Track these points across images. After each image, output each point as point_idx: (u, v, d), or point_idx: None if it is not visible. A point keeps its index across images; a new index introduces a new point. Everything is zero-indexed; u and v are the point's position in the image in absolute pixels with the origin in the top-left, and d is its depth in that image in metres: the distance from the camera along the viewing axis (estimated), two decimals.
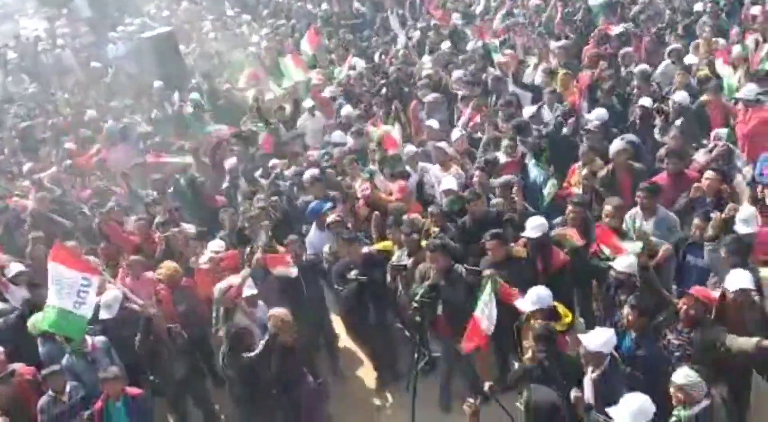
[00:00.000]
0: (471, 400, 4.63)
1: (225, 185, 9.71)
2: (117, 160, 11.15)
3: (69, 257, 6.49)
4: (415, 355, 6.24)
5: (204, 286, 7.10)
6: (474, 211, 7.07)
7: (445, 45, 12.54)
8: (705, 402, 4.50)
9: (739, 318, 5.29)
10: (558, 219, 6.92)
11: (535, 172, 7.84)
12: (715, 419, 4.54)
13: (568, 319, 5.70)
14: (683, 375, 4.57)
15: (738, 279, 5.24)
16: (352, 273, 6.75)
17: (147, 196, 9.62)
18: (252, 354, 5.93)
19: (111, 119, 12.69)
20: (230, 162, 9.92)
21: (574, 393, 4.83)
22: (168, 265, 7.24)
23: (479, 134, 9.05)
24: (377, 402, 7.13)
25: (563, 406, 4.72)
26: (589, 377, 4.99)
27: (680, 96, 8.33)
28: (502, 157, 8.13)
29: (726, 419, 4.77)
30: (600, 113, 8.44)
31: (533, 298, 5.65)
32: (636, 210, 6.61)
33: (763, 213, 6.22)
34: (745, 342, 4.98)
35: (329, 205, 7.78)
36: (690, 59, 9.67)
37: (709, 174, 6.61)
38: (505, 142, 8.24)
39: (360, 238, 7.15)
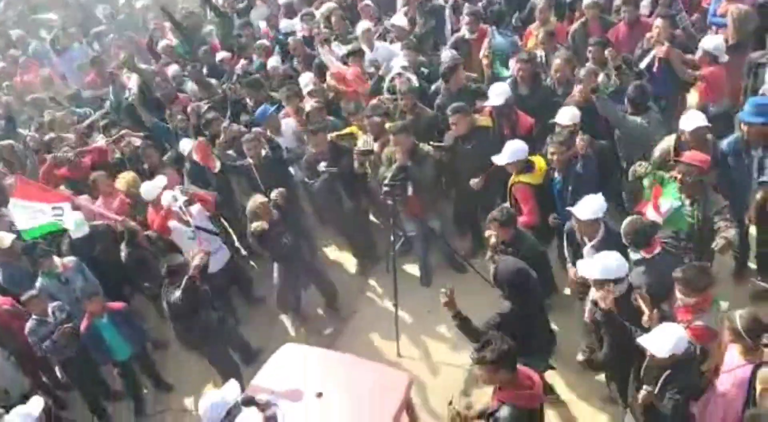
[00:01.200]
0: (444, 290, 4.63)
1: None
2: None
3: (34, 191, 6.49)
4: (391, 237, 6.32)
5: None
6: (451, 85, 6.85)
7: None
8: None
9: None
10: (508, 80, 6.79)
11: (499, 40, 7.51)
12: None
13: (543, 168, 5.71)
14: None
15: (693, 119, 5.35)
16: (322, 166, 6.66)
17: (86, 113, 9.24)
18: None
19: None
20: (173, 69, 9.40)
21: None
22: (125, 176, 7.08)
23: None
24: (360, 286, 7.26)
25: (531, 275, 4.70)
26: (589, 246, 5.03)
27: None
28: (466, 33, 7.82)
29: None
30: None
31: (507, 152, 5.66)
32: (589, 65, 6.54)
33: None
34: None
35: (273, 108, 7.55)
36: None
37: (659, 22, 6.53)
38: (465, 19, 7.85)
39: (328, 125, 6.98)
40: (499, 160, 5.72)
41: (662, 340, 3.85)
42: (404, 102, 6.83)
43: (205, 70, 9.22)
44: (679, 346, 3.85)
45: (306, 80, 7.75)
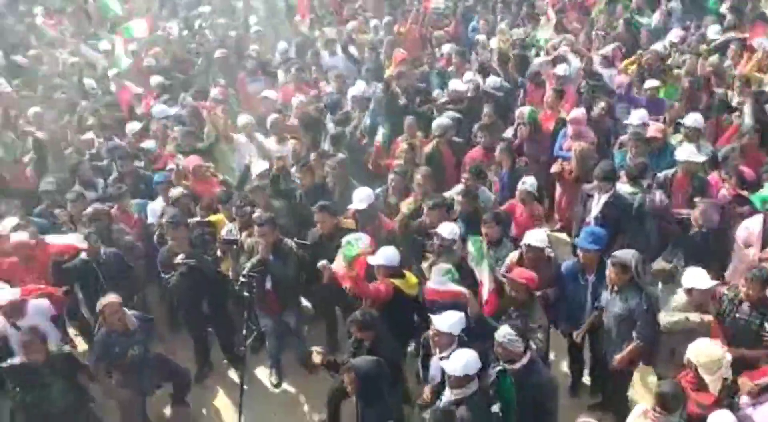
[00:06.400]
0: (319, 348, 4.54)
1: None
2: None
3: None
4: (244, 331, 6.10)
5: None
6: (304, 184, 7.17)
7: None
8: (524, 360, 4.68)
9: None
10: (379, 189, 7.12)
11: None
12: (534, 374, 4.75)
13: (413, 284, 5.77)
14: (503, 333, 4.70)
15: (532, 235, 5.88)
16: (179, 258, 6.27)
17: None
18: None
19: None
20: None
21: None
22: None
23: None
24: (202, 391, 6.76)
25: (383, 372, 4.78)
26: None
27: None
28: None
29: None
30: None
31: (382, 254, 5.66)
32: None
33: None
34: None
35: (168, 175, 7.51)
36: None
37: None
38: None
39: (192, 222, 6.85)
40: (374, 260, 5.66)
41: None
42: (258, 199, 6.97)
43: None
44: None
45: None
